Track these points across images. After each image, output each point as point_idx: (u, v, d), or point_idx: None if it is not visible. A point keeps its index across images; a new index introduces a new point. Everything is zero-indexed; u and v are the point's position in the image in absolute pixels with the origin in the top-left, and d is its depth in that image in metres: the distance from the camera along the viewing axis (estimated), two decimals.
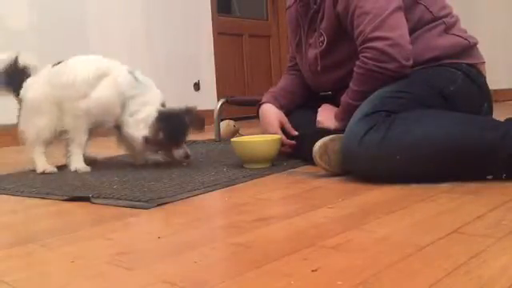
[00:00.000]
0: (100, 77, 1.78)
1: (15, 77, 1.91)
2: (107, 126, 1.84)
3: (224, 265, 0.81)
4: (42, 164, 1.83)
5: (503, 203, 1.04)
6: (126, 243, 0.95)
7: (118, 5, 3.78)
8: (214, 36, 4.47)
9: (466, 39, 1.50)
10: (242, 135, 2.39)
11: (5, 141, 2.96)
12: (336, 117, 1.58)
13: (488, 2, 4.90)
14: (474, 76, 1.48)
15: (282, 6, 5.19)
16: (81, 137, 1.82)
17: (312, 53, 1.68)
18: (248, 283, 0.70)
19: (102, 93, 1.76)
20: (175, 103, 1.85)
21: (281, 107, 1.79)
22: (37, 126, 1.83)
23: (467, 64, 1.48)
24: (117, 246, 0.93)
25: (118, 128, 1.85)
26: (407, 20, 1.45)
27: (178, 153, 1.79)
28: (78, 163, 1.81)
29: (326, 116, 1.62)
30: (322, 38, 1.61)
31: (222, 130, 2.61)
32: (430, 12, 1.50)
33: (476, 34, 1.57)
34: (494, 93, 1.60)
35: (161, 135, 1.73)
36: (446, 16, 1.52)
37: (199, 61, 4.38)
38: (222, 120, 2.65)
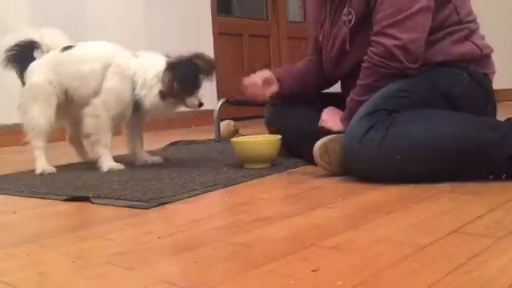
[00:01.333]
0: (105, 67, 1.74)
1: (24, 58, 1.84)
2: (128, 115, 1.79)
3: (224, 265, 0.81)
4: (42, 164, 1.80)
5: (503, 203, 1.04)
6: (126, 243, 0.95)
7: (118, 5, 3.77)
8: (213, 36, 4.46)
9: (480, 49, 1.47)
10: (242, 135, 2.39)
11: (5, 141, 2.95)
12: (341, 119, 1.57)
13: (488, 2, 4.90)
14: (480, 78, 1.46)
15: (282, 6, 5.19)
16: (106, 136, 1.77)
17: (341, 32, 1.62)
18: (248, 283, 0.70)
19: (111, 83, 1.73)
20: None
21: (278, 78, 1.78)
22: (35, 118, 1.78)
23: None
24: (117, 246, 0.93)
25: (135, 110, 1.79)
26: (433, 17, 1.41)
27: (191, 101, 1.73)
28: (109, 163, 1.77)
29: (330, 117, 1.61)
30: (350, 17, 1.57)
31: (221, 129, 2.61)
32: (458, 14, 1.46)
33: None
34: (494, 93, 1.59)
35: (174, 84, 1.68)
36: (470, 22, 1.49)
37: None
38: (221, 120, 2.65)
